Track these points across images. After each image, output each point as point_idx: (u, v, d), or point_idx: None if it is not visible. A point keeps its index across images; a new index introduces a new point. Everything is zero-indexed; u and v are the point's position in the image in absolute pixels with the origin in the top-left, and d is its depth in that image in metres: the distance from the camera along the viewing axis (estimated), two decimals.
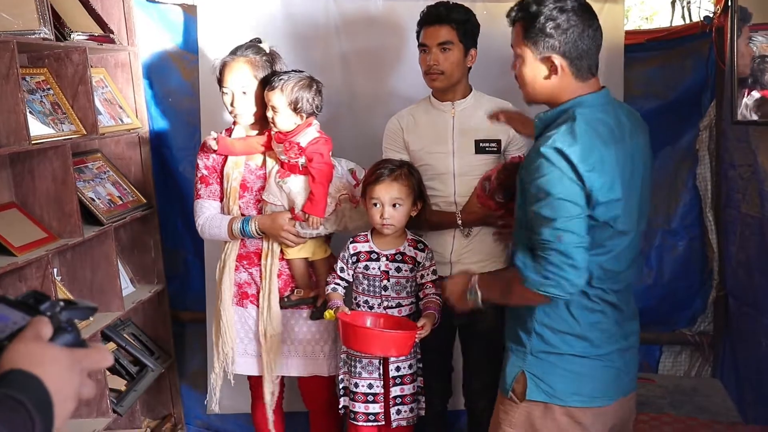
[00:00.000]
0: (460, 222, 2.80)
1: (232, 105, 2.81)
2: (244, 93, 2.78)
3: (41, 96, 2.97)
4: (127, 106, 3.50)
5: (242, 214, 2.86)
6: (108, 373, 3.22)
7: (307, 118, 2.77)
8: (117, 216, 3.26)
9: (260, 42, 2.87)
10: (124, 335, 3.51)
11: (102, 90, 3.38)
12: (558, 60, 2.00)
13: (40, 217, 2.92)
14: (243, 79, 2.77)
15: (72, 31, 3.01)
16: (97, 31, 3.23)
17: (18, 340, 0.91)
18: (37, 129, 2.80)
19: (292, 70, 2.80)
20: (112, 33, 3.34)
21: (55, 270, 2.94)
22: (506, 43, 3.27)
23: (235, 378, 3.03)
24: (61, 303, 0.99)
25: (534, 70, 2.04)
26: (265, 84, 2.78)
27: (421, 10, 2.90)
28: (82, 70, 3.07)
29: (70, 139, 2.95)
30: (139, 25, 3.51)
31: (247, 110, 2.80)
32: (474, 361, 3.01)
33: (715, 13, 3.22)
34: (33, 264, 2.74)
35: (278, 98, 2.71)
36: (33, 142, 2.68)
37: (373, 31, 3.44)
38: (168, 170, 3.71)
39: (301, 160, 2.75)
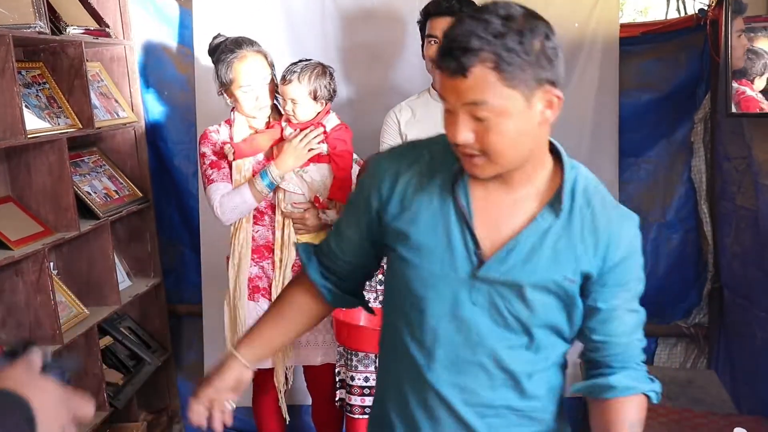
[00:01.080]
0: None
1: (257, 99, 2.79)
2: (267, 84, 2.79)
3: (37, 90, 2.96)
4: (122, 100, 3.50)
5: None
6: (105, 366, 3.23)
7: (325, 104, 2.81)
8: (113, 210, 3.26)
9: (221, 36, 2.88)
10: (121, 329, 3.51)
11: (98, 84, 3.38)
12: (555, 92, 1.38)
13: (36, 211, 2.92)
14: (263, 70, 2.78)
15: (68, 25, 3.00)
16: (93, 24, 3.23)
17: (9, 367, 0.91)
18: (33, 123, 2.80)
19: (299, 60, 2.80)
20: (108, 27, 3.34)
21: (51, 264, 2.94)
22: None
23: None
24: (49, 353, 0.99)
25: (525, 119, 1.36)
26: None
27: (416, 2, 2.90)
28: (78, 64, 3.07)
29: (66, 133, 2.95)
30: (134, 18, 3.51)
31: (271, 99, 2.82)
32: None
33: (709, 5, 3.23)
34: (30, 258, 2.75)
35: (297, 89, 2.73)
36: (29, 136, 2.68)
37: (371, 24, 3.44)
38: (164, 164, 3.71)
39: (323, 147, 2.77)
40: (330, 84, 2.80)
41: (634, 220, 1.52)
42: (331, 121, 2.83)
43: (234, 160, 2.81)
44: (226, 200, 2.79)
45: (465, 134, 1.37)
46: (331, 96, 2.83)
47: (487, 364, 1.50)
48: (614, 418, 1.54)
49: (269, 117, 2.89)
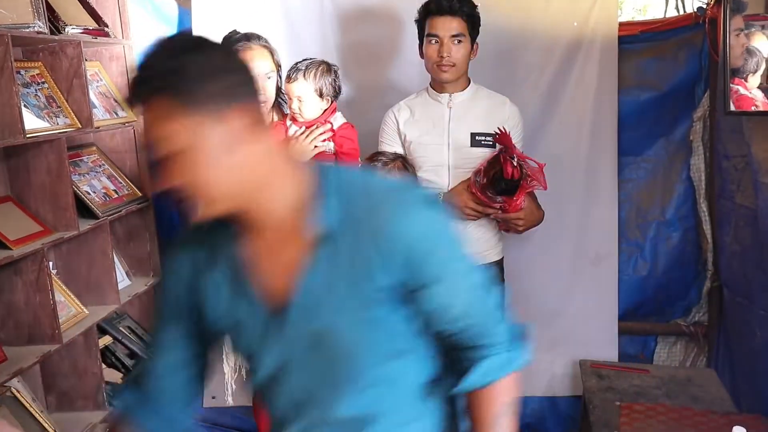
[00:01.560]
0: None
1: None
2: (269, 78, 2.81)
3: (36, 90, 2.96)
4: (122, 99, 3.50)
5: None
6: (104, 365, 3.23)
7: (330, 102, 2.84)
8: (112, 209, 3.25)
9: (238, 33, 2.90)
10: (120, 328, 3.51)
11: (97, 83, 3.37)
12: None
13: (35, 211, 2.92)
14: (267, 65, 2.82)
15: (66, 25, 3.00)
16: (92, 24, 3.23)
17: None
18: (32, 123, 2.80)
19: (303, 59, 2.83)
20: (107, 26, 3.33)
21: (50, 263, 2.94)
22: (499, 36, 3.31)
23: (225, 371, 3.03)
24: None
25: (218, 144, 1.21)
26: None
27: (415, 1, 2.89)
28: (77, 64, 3.06)
29: (65, 132, 2.95)
30: (133, 18, 3.50)
31: (272, 95, 2.84)
32: None
33: (708, 4, 3.23)
34: (29, 257, 2.74)
35: (303, 87, 2.76)
36: (28, 135, 2.68)
37: (369, 23, 3.44)
38: None
39: (330, 146, 2.79)
40: (335, 81, 2.83)
41: (414, 201, 1.29)
42: (338, 119, 2.86)
43: None
44: None
45: (166, 180, 1.21)
46: (337, 93, 2.86)
47: (328, 418, 1.37)
48: (479, 414, 1.43)
49: (272, 116, 2.91)
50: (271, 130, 2.80)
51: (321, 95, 2.80)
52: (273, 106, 2.92)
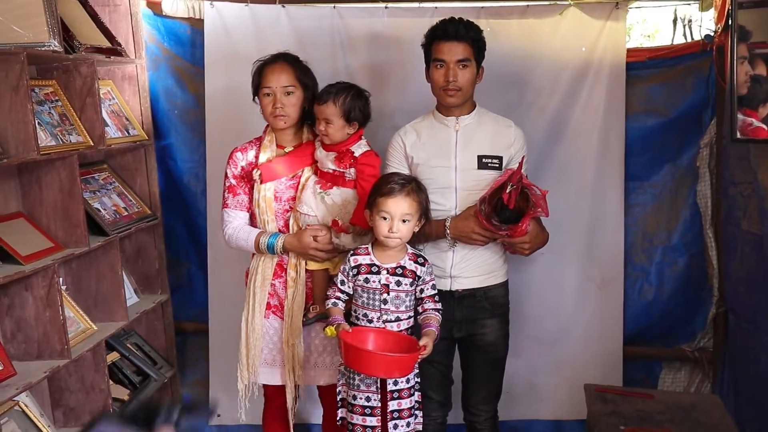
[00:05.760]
0: (448, 232, 2.82)
1: (274, 106, 2.83)
2: (288, 93, 2.83)
3: (50, 107, 3.00)
4: (133, 118, 3.54)
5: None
6: (111, 382, 3.24)
7: (358, 128, 2.85)
8: (122, 227, 3.29)
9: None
10: (128, 345, 3.53)
11: (109, 102, 3.41)
12: None
13: (46, 227, 2.95)
14: (288, 79, 2.83)
15: (81, 44, 3.04)
16: (105, 44, 3.27)
17: None
18: (46, 140, 2.84)
19: (337, 82, 2.86)
20: (120, 46, 3.38)
21: (60, 279, 2.96)
22: (507, 60, 3.35)
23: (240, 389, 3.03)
24: (175, 411, 0.98)
25: None
26: (310, 94, 2.88)
27: (424, 25, 2.92)
28: (90, 83, 3.11)
29: (78, 150, 2.99)
30: (146, 38, 3.55)
31: (292, 111, 2.85)
32: (474, 374, 3.02)
33: (715, 32, 3.25)
34: (39, 273, 2.77)
35: (331, 109, 2.78)
36: (41, 152, 2.71)
37: (378, 47, 3.48)
38: (173, 182, 3.75)
39: (349, 172, 2.80)
40: (365, 107, 2.85)
41: None
42: (361, 147, 2.86)
43: (262, 183, 2.87)
44: (235, 237, 2.91)
45: None
46: (365, 119, 2.87)
47: None
48: None
49: (304, 135, 2.93)
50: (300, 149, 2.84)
51: (348, 120, 2.81)
52: (305, 125, 2.95)
